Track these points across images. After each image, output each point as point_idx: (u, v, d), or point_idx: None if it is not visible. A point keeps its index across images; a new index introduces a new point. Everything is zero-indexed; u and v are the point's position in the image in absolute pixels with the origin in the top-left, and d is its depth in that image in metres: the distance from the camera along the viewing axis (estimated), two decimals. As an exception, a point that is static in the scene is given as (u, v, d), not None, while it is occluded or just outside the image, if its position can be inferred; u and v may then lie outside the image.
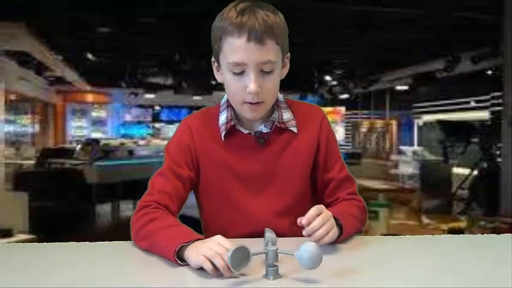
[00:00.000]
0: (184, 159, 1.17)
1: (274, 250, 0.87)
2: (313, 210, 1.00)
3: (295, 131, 1.19)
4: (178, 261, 0.93)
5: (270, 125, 1.18)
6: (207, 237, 0.98)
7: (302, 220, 0.99)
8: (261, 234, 1.04)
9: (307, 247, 0.85)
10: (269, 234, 0.95)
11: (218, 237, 0.91)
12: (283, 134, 1.19)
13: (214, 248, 0.88)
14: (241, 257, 0.83)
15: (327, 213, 1.03)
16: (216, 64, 1.17)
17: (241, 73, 1.08)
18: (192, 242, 0.93)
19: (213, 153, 1.18)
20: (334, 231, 1.03)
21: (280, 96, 1.22)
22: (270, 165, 1.18)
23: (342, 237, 1.07)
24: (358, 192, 1.26)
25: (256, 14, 1.05)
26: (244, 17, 1.04)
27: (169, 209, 1.11)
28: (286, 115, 1.20)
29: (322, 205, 1.03)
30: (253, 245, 0.87)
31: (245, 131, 1.18)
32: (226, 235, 0.98)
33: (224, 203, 1.19)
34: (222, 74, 1.14)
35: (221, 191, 1.19)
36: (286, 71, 1.18)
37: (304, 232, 0.99)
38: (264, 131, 1.17)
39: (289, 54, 1.17)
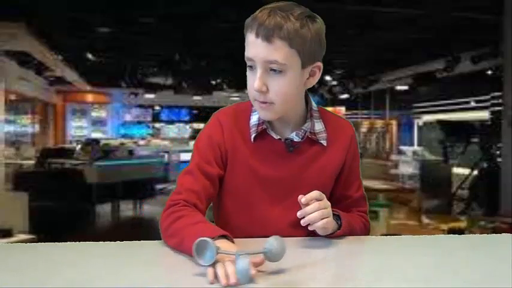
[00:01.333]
0: (214, 155, 1.15)
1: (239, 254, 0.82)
2: (314, 193, 1.01)
3: (325, 144, 1.18)
4: None
5: (302, 134, 1.16)
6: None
7: (301, 198, 0.99)
8: None
9: (266, 244, 0.85)
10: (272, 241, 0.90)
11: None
12: (313, 145, 1.18)
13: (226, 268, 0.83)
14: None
15: (326, 202, 1.04)
16: None
17: (254, 69, 1.07)
18: (217, 238, 0.92)
19: (241, 154, 1.16)
20: (329, 221, 1.04)
21: (315, 105, 1.20)
22: (296, 175, 1.17)
23: (339, 232, 1.08)
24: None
25: (275, 13, 1.04)
26: (264, 14, 1.04)
27: (198, 207, 1.09)
28: (318, 126, 1.18)
29: (323, 194, 1.04)
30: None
31: (276, 136, 1.16)
32: (239, 237, 0.98)
33: (244, 205, 1.18)
34: None
35: (243, 193, 1.17)
36: (314, 80, 1.14)
37: (298, 213, 1.00)
38: (295, 139, 1.16)
39: (319, 64, 1.13)
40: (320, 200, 1.02)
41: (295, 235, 1.13)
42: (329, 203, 1.05)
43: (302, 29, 1.05)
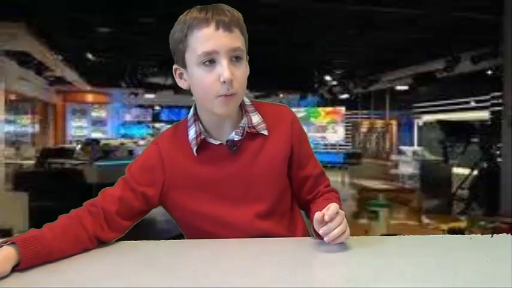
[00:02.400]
0: (145, 179, 1.16)
1: None
2: (334, 207, 1.02)
3: (266, 134, 1.18)
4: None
5: (241, 131, 1.16)
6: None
7: (324, 216, 1.00)
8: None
9: None
10: None
11: None
12: (255, 139, 1.18)
13: None
14: None
15: (342, 212, 1.04)
16: (178, 71, 1.16)
17: (212, 64, 1.07)
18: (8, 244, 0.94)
19: (187, 171, 1.16)
20: (348, 232, 1.05)
21: (247, 99, 1.20)
22: (247, 172, 1.17)
23: None
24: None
25: (220, 8, 1.08)
26: (209, 11, 1.07)
27: (106, 211, 1.11)
28: (255, 118, 1.18)
29: (336, 204, 1.04)
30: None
31: (216, 142, 1.16)
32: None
33: (205, 219, 1.17)
34: (188, 78, 1.13)
35: (200, 208, 1.16)
36: (248, 71, 1.16)
37: (321, 231, 1.00)
38: (235, 139, 1.15)
39: (248, 57, 1.16)
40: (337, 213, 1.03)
41: (264, 227, 1.15)
42: (343, 213, 1.06)
43: (242, 19, 1.12)
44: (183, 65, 1.13)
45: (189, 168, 1.16)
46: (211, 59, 1.07)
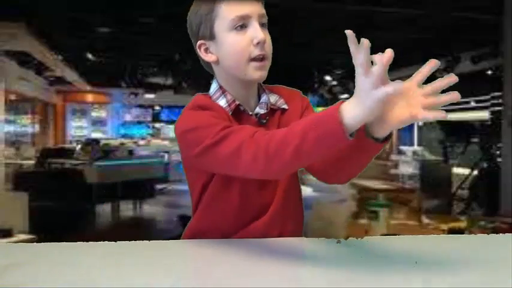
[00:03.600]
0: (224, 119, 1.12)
1: None
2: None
3: (287, 107, 1.24)
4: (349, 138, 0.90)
5: (265, 106, 1.20)
6: (202, 225, 1.10)
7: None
8: (263, 215, 1.10)
9: None
10: None
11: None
12: (275, 113, 1.23)
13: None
14: None
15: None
16: (203, 46, 1.17)
17: (244, 28, 1.12)
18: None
19: None
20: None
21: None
22: None
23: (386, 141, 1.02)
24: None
25: None
26: None
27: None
28: (273, 97, 1.23)
29: None
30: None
31: (250, 112, 1.19)
32: (226, 221, 1.10)
33: (231, 185, 1.15)
34: (216, 49, 1.15)
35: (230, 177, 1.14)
36: None
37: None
38: (262, 112, 1.20)
39: None
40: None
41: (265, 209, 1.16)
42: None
43: None
44: (211, 37, 1.15)
45: None
46: (243, 23, 1.11)
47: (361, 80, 0.91)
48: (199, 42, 1.18)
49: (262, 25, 1.13)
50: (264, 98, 1.22)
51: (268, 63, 1.15)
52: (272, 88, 1.28)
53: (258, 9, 1.13)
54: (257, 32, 1.11)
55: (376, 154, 1.06)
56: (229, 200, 1.16)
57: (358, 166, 1.10)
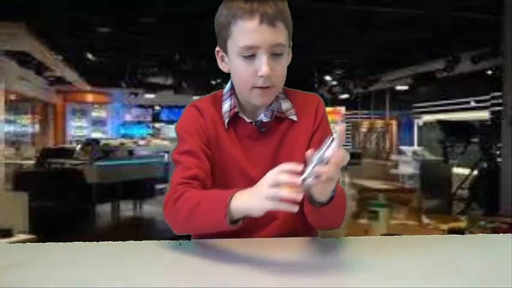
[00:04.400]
0: (202, 139, 1.16)
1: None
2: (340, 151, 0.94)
3: (295, 119, 1.20)
4: (228, 223, 0.93)
5: (270, 114, 1.18)
6: None
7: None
8: (263, 228, 1.08)
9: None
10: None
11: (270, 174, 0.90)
12: (282, 123, 1.20)
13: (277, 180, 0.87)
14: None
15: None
16: (220, 54, 1.17)
17: (252, 57, 1.08)
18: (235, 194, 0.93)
19: (222, 141, 1.18)
20: (333, 185, 0.97)
21: None
22: (271, 154, 1.19)
23: (330, 203, 1.00)
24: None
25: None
26: (255, 2, 1.06)
27: (207, 186, 1.11)
28: (285, 105, 1.21)
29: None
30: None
31: (247, 120, 1.19)
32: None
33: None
34: (228, 63, 1.15)
35: (222, 179, 1.18)
36: (289, 59, 1.19)
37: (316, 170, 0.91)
38: (264, 120, 1.18)
39: (291, 43, 1.18)
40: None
41: (276, 213, 1.13)
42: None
43: (287, 9, 1.12)
44: (225, 50, 1.14)
45: (219, 139, 1.18)
46: (252, 53, 1.08)
47: (268, 175, 0.90)
48: (217, 48, 1.17)
49: (274, 55, 1.09)
50: (273, 105, 1.19)
51: (274, 90, 1.13)
52: (290, 93, 1.24)
53: (270, 38, 1.06)
54: (262, 66, 1.07)
55: (334, 211, 1.04)
56: None
57: (328, 221, 1.09)
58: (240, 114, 1.18)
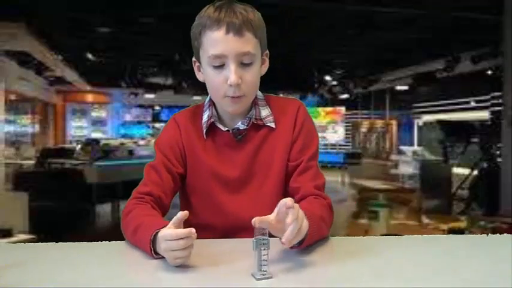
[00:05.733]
0: (174, 155, 1.20)
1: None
2: (289, 202, 0.89)
3: (273, 126, 1.21)
4: (155, 255, 0.96)
5: (247, 121, 1.19)
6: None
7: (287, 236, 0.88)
8: (245, 231, 1.02)
9: None
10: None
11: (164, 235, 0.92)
12: (260, 130, 1.21)
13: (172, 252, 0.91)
14: None
15: (302, 217, 0.93)
16: (197, 64, 1.19)
17: (221, 66, 1.10)
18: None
19: (197, 150, 1.21)
20: (300, 235, 0.93)
21: (260, 93, 1.23)
22: (248, 161, 1.20)
23: (301, 245, 0.97)
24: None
25: (234, 9, 1.09)
26: (222, 11, 1.08)
27: (162, 200, 1.16)
28: (265, 112, 1.21)
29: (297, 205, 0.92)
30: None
31: (224, 128, 1.20)
32: (210, 231, 1.11)
33: (206, 201, 1.21)
34: (203, 73, 1.17)
35: (203, 189, 1.21)
36: (265, 68, 1.20)
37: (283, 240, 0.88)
38: (240, 128, 1.19)
39: (267, 52, 1.19)
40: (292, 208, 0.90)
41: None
42: (303, 215, 0.94)
43: (258, 19, 1.13)
44: (199, 60, 1.17)
45: (197, 150, 1.21)
46: (221, 62, 1.09)
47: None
48: (193, 58, 1.20)
49: (244, 64, 1.10)
50: (251, 112, 1.20)
51: (245, 99, 1.13)
52: (270, 100, 1.25)
53: (237, 47, 1.07)
54: (230, 74, 1.08)
55: (314, 239, 1.02)
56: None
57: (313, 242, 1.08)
58: (216, 123, 1.20)
